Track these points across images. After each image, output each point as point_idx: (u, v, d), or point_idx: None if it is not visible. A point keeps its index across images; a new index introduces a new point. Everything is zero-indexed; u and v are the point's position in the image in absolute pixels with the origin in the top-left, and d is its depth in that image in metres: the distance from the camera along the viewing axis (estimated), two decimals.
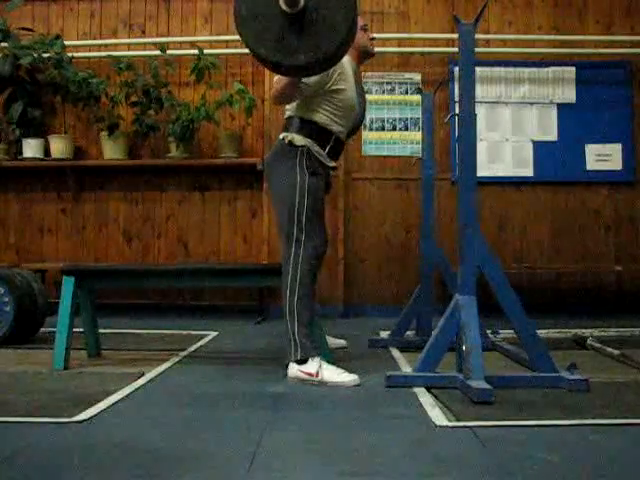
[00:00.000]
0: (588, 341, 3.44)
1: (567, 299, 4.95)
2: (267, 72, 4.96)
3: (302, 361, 2.62)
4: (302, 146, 2.81)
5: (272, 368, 2.86)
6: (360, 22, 3.06)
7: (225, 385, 2.62)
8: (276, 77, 2.76)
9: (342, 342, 3.49)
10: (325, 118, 2.86)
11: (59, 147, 4.99)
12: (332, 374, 2.60)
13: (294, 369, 2.63)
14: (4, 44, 4.90)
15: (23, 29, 5.03)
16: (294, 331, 2.65)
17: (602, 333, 3.82)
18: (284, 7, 2.39)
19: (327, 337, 3.39)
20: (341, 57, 2.61)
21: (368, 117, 5.05)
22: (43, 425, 2.00)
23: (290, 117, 2.91)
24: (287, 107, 2.94)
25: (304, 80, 2.69)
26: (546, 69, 5.09)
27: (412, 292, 3.64)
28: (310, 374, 2.60)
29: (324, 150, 2.85)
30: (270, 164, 2.94)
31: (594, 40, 5.06)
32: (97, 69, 5.07)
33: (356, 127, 3.39)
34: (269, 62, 2.50)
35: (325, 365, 2.62)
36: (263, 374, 2.80)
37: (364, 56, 3.23)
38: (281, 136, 2.90)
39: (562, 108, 5.07)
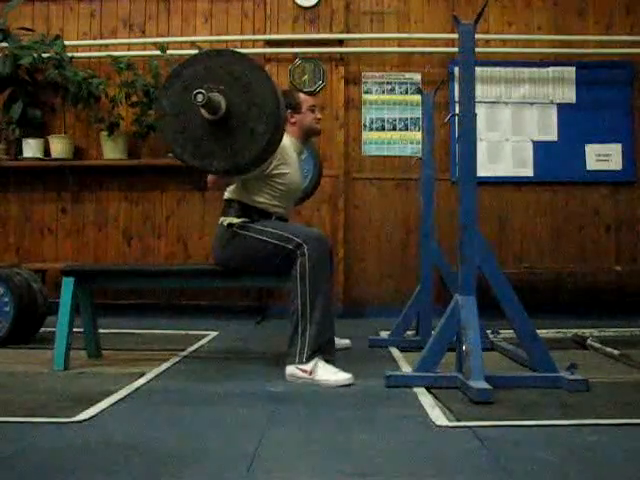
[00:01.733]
0: (588, 341, 3.44)
1: (567, 299, 4.95)
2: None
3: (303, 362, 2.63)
4: (239, 223, 2.85)
5: (272, 368, 2.86)
6: (308, 102, 3.11)
7: (225, 385, 2.62)
8: None
9: (346, 342, 3.48)
10: (265, 201, 2.89)
11: (59, 147, 4.99)
12: (327, 373, 2.60)
13: (291, 367, 2.64)
14: (4, 44, 4.89)
15: (23, 29, 5.02)
16: (304, 335, 2.64)
17: (602, 333, 3.82)
18: (205, 114, 2.43)
19: None
20: (264, 161, 2.65)
21: (368, 117, 5.06)
22: (43, 425, 2.00)
23: (229, 200, 2.93)
24: (225, 190, 2.97)
25: None
26: (546, 69, 5.09)
27: (412, 292, 3.64)
28: (305, 372, 2.60)
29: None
30: (217, 251, 2.93)
31: (594, 40, 5.06)
32: (97, 69, 5.07)
33: (303, 199, 3.46)
34: (187, 163, 2.54)
35: (321, 364, 2.62)
36: (263, 374, 2.80)
37: (309, 135, 3.18)
38: (220, 220, 2.93)
39: (562, 108, 5.07)
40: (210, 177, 2.90)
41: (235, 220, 2.86)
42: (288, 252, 2.72)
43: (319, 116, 3.18)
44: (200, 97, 2.36)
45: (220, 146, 2.48)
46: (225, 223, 2.88)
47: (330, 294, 2.74)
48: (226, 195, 2.97)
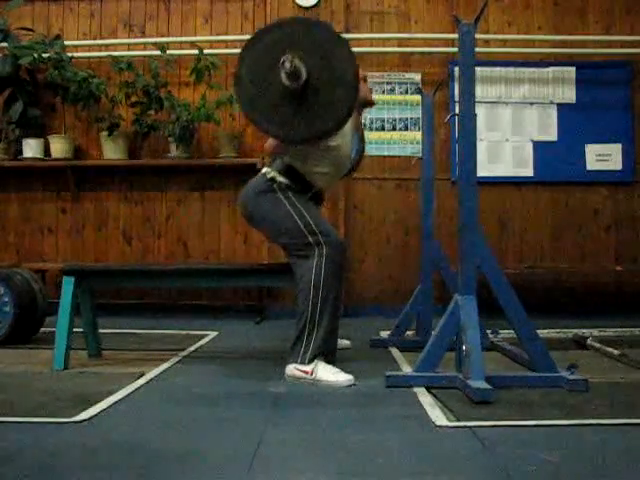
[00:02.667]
0: (588, 341, 3.44)
1: (567, 299, 4.94)
2: None
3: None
4: (282, 182, 2.80)
5: (272, 368, 2.86)
6: (361, 74, 3.08)
7: (225, 385, 2.62)
8: None
9: (347, 343, 3.48)
10: (312, 172, 2.85)
11: (59, 147, 4.99)
12: (327, 373, 2.60)
13: (291, 367, 2.64)
14: (4, 44, 4.90)
15: (23, 29, 5.02)
16: (310, 336, 2.63)
17: (602, 333, 3.82)
18: (285, 81, 2.38)
19: None
20: (344, 125, 2.59)
21: (368, 117, 5.06)
22: (43, 425, 2.00)
23: (277, 156, 2.88)
24: None
25: None
26: (546, 69, 5.09)
27: (412, 292, 3.64)
28: (305, 372, 2.60)
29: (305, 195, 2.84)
30: (250, 198, 2.88)
31: (594, 40, 5.06)
32: (97, 69, 5.07)
33: (350, 171, 3.41)
34: (275, 137, 2.51)
35: (321, 364, 2.62)
36: (263, 374, 2.79)
37: (364, 106, 3.17)
38: (263, 170, 2.88)
39: (562, 108, 5.07)
40: (269, 143, 2.82)
41: (278, 177, 2.81)
42: (306, 243, 2.70)
43: (370, 87, 3.13)
44: (287, 64, 2.32)
45: (298, 114, 2.42)
46: (268, 176, 2.82)
47: (339, 302, 2.72)
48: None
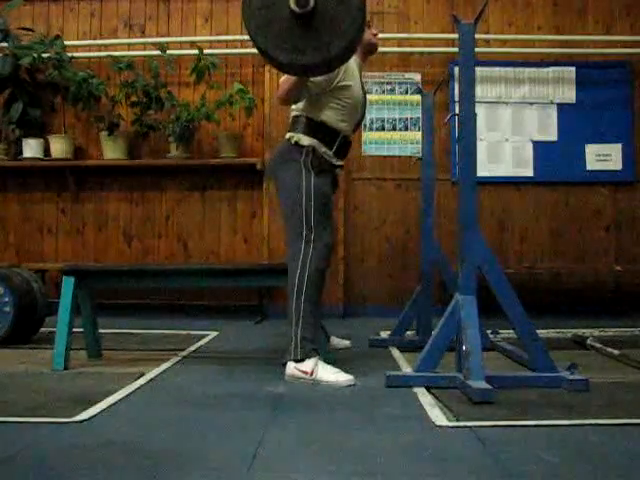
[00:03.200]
0: (588, 341, 3.44)
1: (567, 299, 4.94)
2: (267, 72, 4.97)
3: (300, 360, 2.63)
4: (308, 146, 2.80)
5: (272, 368, 2.86)
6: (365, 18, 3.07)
7: (225, 385, 2.62)
8: (283, 77, 2.75)
9: (347, 343, 3.49)
10: (332, 117, 2.85)
11: (59, 147, 4.99)
12: (327, 373, 2.60)
13: (291, 367, 2.64)
14: (4, 44, 4.90)
15: (23, 29, 5.03)
16: (297, 330, 2.65)
17: (602, 333, 3.82)
18: (293, 6, 2.38)
19: (332, 337, 3.41)
20: (347, 59, 2.60)
21: (368, 117, 5.05)
22: (43, 425, 2.00)
23: (297, 116, 2.88)
24: (293, 106, 2.91)
25: (311, 79, 2.68)
26: (546, 69, 5.09)
27: (412, 292, 3.64)
28: (305, 372, 2.60)
29: (331, 150, 2.84)
30: (275, 164, 2.91)
31: (594, 40, 5.06)
32: (97, 69, 5.07)
33: (358, 124, 3.39)
34: (281, 64, 2.49)
35: (321, 364, 2.62)
36: (263, 374, 2.79)
37: (368, 51, 3.17)
38: (287, 136, 2.88)
39: (562, 108, 5.07)
40: (280, 90, 2.79)
41: (303, 139, 2.80)
42: (299, 232, 2.74)
43: (375, 31, 3.15)
44: None
45: (307, 40, 2.41)
46: (293, 140, 2.82)
47: (320, 301, 2.76)
48: (293, 112, 2.92)
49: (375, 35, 3.16)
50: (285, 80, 2.73)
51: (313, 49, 2.42)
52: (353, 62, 2.93)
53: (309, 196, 2.77)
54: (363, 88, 3.21)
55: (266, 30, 2.44)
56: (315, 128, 2.83)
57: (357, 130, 3.67)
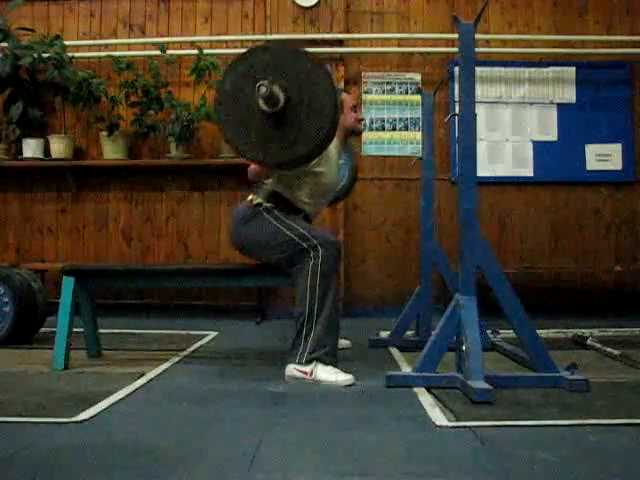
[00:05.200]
0: (588, 341, 3.44)
1: (567, 299, 4.94)
2: None
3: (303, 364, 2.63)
4: (268, 206, 2.84)
5: (272, 368, 2.86)
6: (350, 103, 3.13)
7: (225, 385, 2.62)
8: None
9: (346, 342, 3.48)
10: (298, 197, 2.89)
11: (59, 147, 4.99)
12: (326, 373, 2.60)
13: (291, 368, 2.64)
14: (4, 44, 4.89)
15: (23, 29, 5.02)
16: (308, 336, 2.63)
17: (602, 333, 3.82)
18: (262, 105, 2.43)
19: None
20: (314, 159, 2.65)
21: (368, 117, 5.06)
22: (43, 425, 2.00)
23: (262, 183, 2.92)
24: None
25: None
26: (546, 69, 5.09)
27: (412, 292, 3.64)
28: (305, 373, 2.60)
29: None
30: (237, 228, 2.91)
31: (594, 40, 5.06)
32: (97, 69, 5.07)
33: (338, 199, 3.44)
34: (250, 159, 2.56)
35: (321, 365, 2.62)
36: (263, 374, 2.79)
37: (350, 135, 3.21)
38: (249, 198, 2.92)
39: (562, 108, 5.07)
40: (252, 168, 2.88)
41: (264, 203, 2.84)
42: (302, 249, 2.71)
43: (361, 116, 3.20)
44: (263, 89, 2.36)
45: (274, 139, 2.47)
46: (254, 202, 2.86)
47: (336, 301, 2.73)
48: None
49: (360, 120, 3.17)
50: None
51: (279, 149, 2.48)
52: (332, 146, 2.93)
53: (285, 223, 2.79)
54: (355, 163, 3.23)
55: (236, 123, 2.50)
56: (278, 200, 2.86)
57: (342, 200, 3.76)
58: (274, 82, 2.41)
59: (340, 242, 2.89)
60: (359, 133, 3.26)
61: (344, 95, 3.17)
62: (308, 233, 2.74)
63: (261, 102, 2.42)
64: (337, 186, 3.19)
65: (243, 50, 4.99)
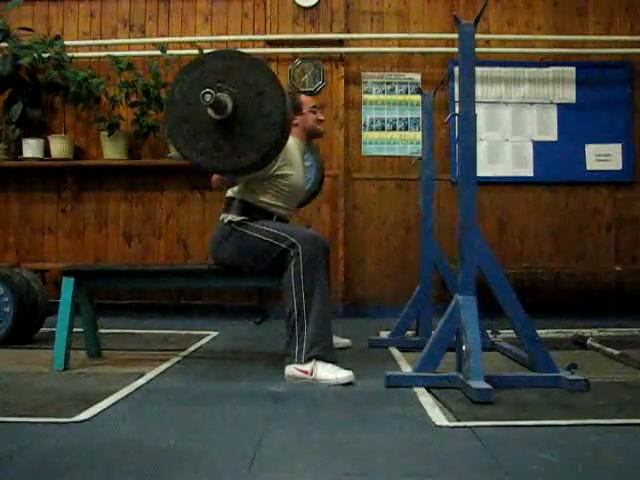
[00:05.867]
0: (588, 341, 3.44)
1: (567, 299, 4.95)
2: None
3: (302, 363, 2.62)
4: (241, 220, 2.86)
5: (272, 368, 2.86)
6: (309, 104, 3.17)
7: (225, 385, 2.62)
8: None
9: (346, 341, 3.49)
10: (267, 201, 2.91)
11: (59, 147, 4.99)
12: (326, 372, 2.60)
13: (290, 367, 2.64)
14: (4, 44, 4.89)
15: (23, 29, 5.02)
16: (301, 334, 2.63)
17: (602, 333, 3.82)
18: (210, 112, 2.45)
19: (332, 337, 3.40)
20: (260, 169, 2.68)
21: (368, 117, 5.06)
22: (43, 425, 2.00)
23: (231, 198, 2.95)
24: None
25: None
26: (546, 69, 5.09)
27: (412, 292, 3.64)
28: (305, 372, 2.60)
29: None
30: (215, 250, 2.94)
31: (594, 40, 5.06)
32: (97, 69, 5.07)
33: (310, 198, 3.47)
34: (199, 166, 2.58)
35: (320, 364, 2.62)
36: (263, 374, 2.80)
37: (311, 136, 3.25)
38: (221, 217, 2.94)
39: (562, 108, 5.07)
40: (215, 176, 2.93)
41: (236, 218, 2.87)
42: (282, 250, 2.74)
43: (321, 117, 3.22)
44: (208, 97, 2.38)
45: (220, 145, 2.49)
46: (226, 220, 2.89)
47: (326, 295, 2.72)
48: (228, 193, 2.98)
49: (320, 121, 3.20)
50: None
51: (223, 156, 2.50)
52: (294, 148, 2.99)
53: (261, 230, 2.81)
54: (322, 164, 3.22)
55: (182, 129, 2.52)
56: (248, 209, 2.89)
57: (310, 202, 3.81)
58: (222, 89, 2.44)
59: (323, 238, 2.92)
60: (320, 134, 3.29)
61: (302, 97, 3.22)
62: (283, 232, 2.76)
63: (209, 109, 2.44)
64: (304, 187, 3.22)
65: (243, 50, 5.04)
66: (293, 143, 2.97)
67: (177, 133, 2.52)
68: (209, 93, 2.37)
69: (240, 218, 2.86)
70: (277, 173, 2.88)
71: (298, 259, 2.68)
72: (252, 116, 2.47)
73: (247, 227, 2.85)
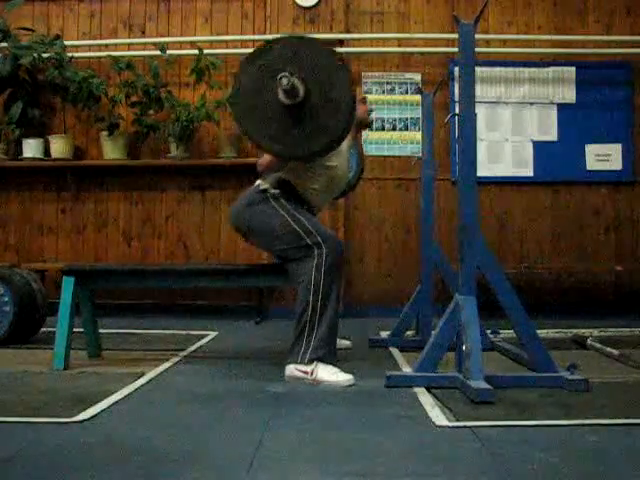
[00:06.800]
0: (588, 341, 3.44)
1: (567, 299, 4.95)
2: None
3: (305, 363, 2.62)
4: (276, 191, 2.81)
5: (272, 368, 2.86)
6: (360, 94, 3.14)
7: (225, 385, 2.62)
8: None
9: (347, 343, 3.48)
10: (307, 187, 2.87)
11: (59, 147, 4.99)
12: (327, 374, 2.59)
13: (291, 368, 2.64)
14: (4, 44, 4.90)
15: (23, 29, 5.02)
16: (310, 336, 2.62)
17: (602, 333, 3.82)
18: (281, 97, 2.41)
19: None
20: (329, 153, 2.64)
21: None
22: (43, 425, 2.00)
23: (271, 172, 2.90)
24: None
25: None
26: (546, 69, 5.09)
27: (412, 292, 3.64)
28: (305, 372, 2.60)
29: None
30: (242, 212, 2.88)
31: (594, 40, 5.06)
32: (97, 69, 5.07)
33: (346, 192, 3.45)
34: (268, 152, 2.55)
35: (321, 365, 2.62)
36: (263, 374, 2.80)
37: (360, 127, 3.22)
38: (256, 183, 2.89)
39: (562, 108, 5.07)
40: (263, 160, 2.84)
41: (271, 189, 2.81)
42: (305, 245, 2.69)
43: (371, 107, 3.21)
44: (285, 81, 2.36)
45: (291, 132, 2.46)
46: (261, 187, 2.83)
47: (339, 301, 2.71)
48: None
49: (370, 111, 3.19)
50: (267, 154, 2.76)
51: (296, 142, 2.48)
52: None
53: (291, 213, 2.76)
54: (362, 153, 3.20)
55: (252, 115, 2.49)
56: (285, 188, 2.83)
57: (347, 194, 3.75)
58: (293, 74, 2.40)
59: (343, 243, 2.89)
60: (369, 125, 3.27)
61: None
62: (313, 228, 2.71)
63: (281, 94, 2.41)
64: (346, 178, 3.17)
65: (243, 50, 5.05)
66: None
67: (247, 120, 2.49)
68: (286, 77, 2.35)
69: (276, 191, 2.80)
70: (326, 164, 2.82)
71: (321, 260, 2.65)
72: (321, 102, 2.44)
73: (281, 204, 2.78)
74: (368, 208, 5.09)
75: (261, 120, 2.48)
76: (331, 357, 2.66)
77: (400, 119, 5.12)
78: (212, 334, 3.98)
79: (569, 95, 5.08)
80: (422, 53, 5.11)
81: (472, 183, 2.55)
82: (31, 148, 4.96)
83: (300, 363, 2.61)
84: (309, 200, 2.89)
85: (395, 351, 3.37)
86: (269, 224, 2.78)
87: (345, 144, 2.93)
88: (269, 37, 5.05)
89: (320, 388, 2.53)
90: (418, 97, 4.76)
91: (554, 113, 5.08)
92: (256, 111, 2.48)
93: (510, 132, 5.08)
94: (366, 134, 5.04)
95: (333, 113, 2.44)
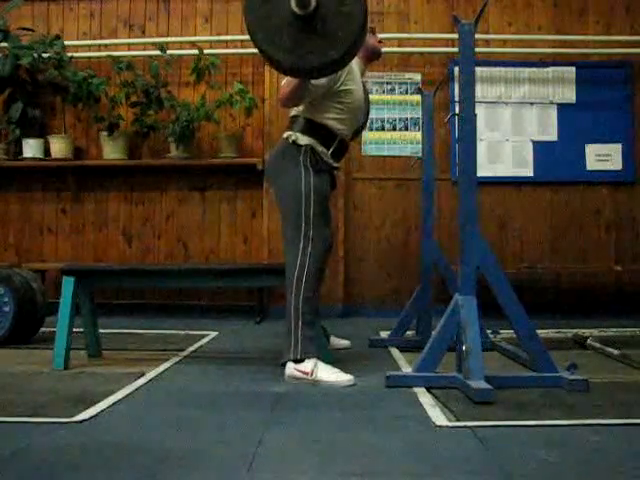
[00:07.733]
0: (588, 341, 3.44)
1: (567, 299, 4.95)
2: (267, 72, 4.96)
3: (299, 360, 2.62)
4: (306, 145, 2.80)
5: (272, 368, 2.86)
6: (370, 24, 3.09)
7: (225, 385, 2.62)
8: (284, 80, 2.76)
9: (346, 343, 3.48)
10: (331, 120, 2.86)
11: (59, 147, 4.99)
12: (327, 373, 2.60)
13: (290, 368, 2.64)
14: (4, 44, 4.89)
15: (23, 29, 5.02)
16: (296, 330, 2.64)
17: (602, 333, 3.82)
18: (294, 7, 2.40)
19: (331, 337, 3.41)
20: (344, 66, 2.62)
21: (368, 117, 5.04)
22: (43, 425, 2.00)
23: (295, 116, 2.90)
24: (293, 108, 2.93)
25: (313, 82, 2.68)
26: (546, 69, 5.09)
27: (412, 292, 3.64)
28: (305, 373, 2.60)
29: (328, 150, 2.85)
30: (273, 163, 2.93)
31: (594, 40, 5.06)
32: (97, 69, 5.06)
33: (360, 128, 3.40)
34: (279, 64, 2.50)
35: (321, 365, 2.62)
36: (263, 374, 2.80)
37: (372, 57, 3.23)
38: (285, 135, 2.89)
39: (562, 108, 5.07)
40: (282, 90, 2.79)
41: (300, 138, 2.81)
42: (297, 226, 2.73)
43: (380, 38, 3.22)
44: None
45: (304, 42, 2.43)
46: (291, 139, 2.83)
47: (318, 299, 2.76)
48: (292, 112, 2.93)
49: (380, 42, 3.19)
50: (286, 83, 2.74)
51: (309, 52, 2.44)
52: (355, 66, 2.95)
53: (308, 195, 2.77)
54: (366, 92, 3.23)
55: (265, 25, 2.45)
56: (313, 129, 2.84)
57: (357, 135, 3.69)
58: None
59: (332, 243, 2.96)
60: (379, 54, 3.25)
61: None
62: (313, 219, 2.74)
63: (293, 3, 2.38)
64: (364, 107, 3.16)
65: (243, 50, 5.05)
66: (354, 61, 2.89)
67: (259, 30, 2.45)
68: None
69: (308, 141, 2.80)
70: (341, 88, 2.83)
71: (305, 259, 2.69)
72: (333, 13, 2.41)
73: (307, 175, 2.78)
74: (368, 208, 5.09)
75: (273, 29, 2.44)
76: (311, 352, 2.65)
77: (400, 119, 5.12)
78: (212, 334, 3.98)
79: (569, 95, 5.08)
80: (422, 53, 5.11)
81: (472, 183, 2.55)
82: (31, 148, 4.96)
83: (294, 359, 2.61)
84: (337, 130, 2.87)
85: (395, 351, 3.37)
86: (287, 187, 2.81)
87: (357, 70, 2.96)
88: None
89: (320, 388, 2.53)
90: (418, 97, 4.76)
91: (554, 113, 5.08)
92: (269, 20, 2.44)
93: (510, 132, 5.08)
94: (366, 134, 5.05)
95: (345, 25, 2.42)
